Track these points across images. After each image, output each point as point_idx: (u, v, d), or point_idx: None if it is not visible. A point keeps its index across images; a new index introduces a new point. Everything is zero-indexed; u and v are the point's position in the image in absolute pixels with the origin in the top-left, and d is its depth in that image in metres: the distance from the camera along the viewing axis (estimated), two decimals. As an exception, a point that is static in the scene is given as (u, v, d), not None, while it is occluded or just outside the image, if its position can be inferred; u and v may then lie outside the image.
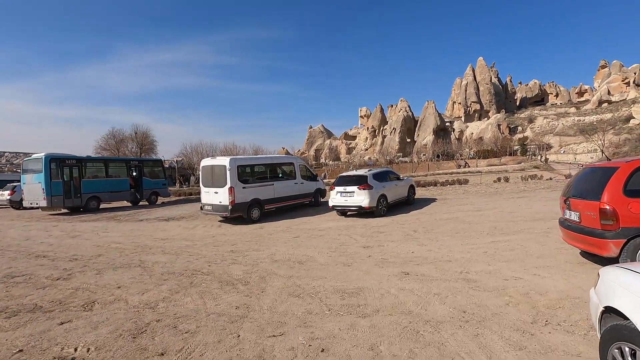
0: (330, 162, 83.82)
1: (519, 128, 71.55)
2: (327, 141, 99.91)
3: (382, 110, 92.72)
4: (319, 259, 6.59)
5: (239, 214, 12.14)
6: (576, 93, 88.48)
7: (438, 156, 61.89)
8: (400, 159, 68.44)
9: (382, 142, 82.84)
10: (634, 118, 52.47)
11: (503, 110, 77.43)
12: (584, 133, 57.19)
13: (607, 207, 3.99)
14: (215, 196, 12.26)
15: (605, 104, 67.67)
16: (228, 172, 11.88)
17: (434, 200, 15.06)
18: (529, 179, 19.77)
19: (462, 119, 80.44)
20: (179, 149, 51.67)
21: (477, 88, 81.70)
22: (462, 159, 54.85)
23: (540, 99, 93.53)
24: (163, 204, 20.47)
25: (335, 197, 12.18)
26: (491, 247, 6.58)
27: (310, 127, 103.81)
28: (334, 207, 12.28)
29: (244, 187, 12.27)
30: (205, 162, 13.04)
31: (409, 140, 78.99)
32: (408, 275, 5.21)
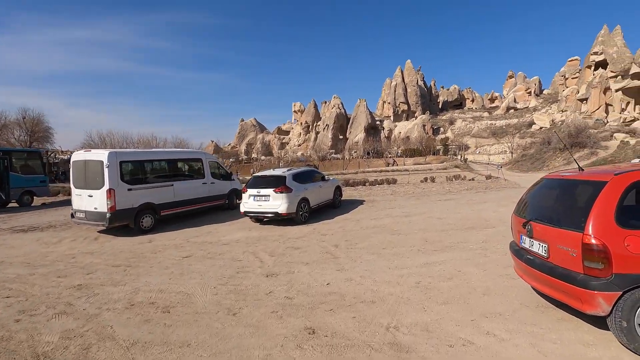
0: (263, 157, 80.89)
1: (441, 129, 76.30)
2: (260, 135, 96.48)
3: (315, 106, 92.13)
4: (198, 301, 4.62)
5: (123, 223, 9.52)
6: (489, 99, 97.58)
7: (369, 153, 63.01)
8: (333, 155, 68.41)
9: (316, 138, 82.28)
10: (535, 124, 58.90)
11: (428, 111, 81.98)
12: (495, 136, 62.88)
13: (595, 243, 2.67)
14: (90, 201, 9.46)
15: (512, 110, 75.37)
16: (106, 170, 9.18)
17: (362, 202, 13.91)
18: (453, 179, 19.97)
19: (392, 118, 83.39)
20: (84, 139, 44.31)
21: (405, 89, 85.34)
22: (390, 157, 56.40)
23: (459, 103, 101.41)
24: (42, 206, 16.44)
25: (248, 202, 10.20)
26: (424, 274, 5.25)
27: (242, 120, 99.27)
28: (246, 214, 10.29)
29: (129, 189, 9.65)
30: (77, 156, 10.07)
31: (341, 137, 79.51)
32: (313, 335, 3.52)
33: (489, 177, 20.39)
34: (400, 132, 77.60)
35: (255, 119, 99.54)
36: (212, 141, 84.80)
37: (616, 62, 54.45)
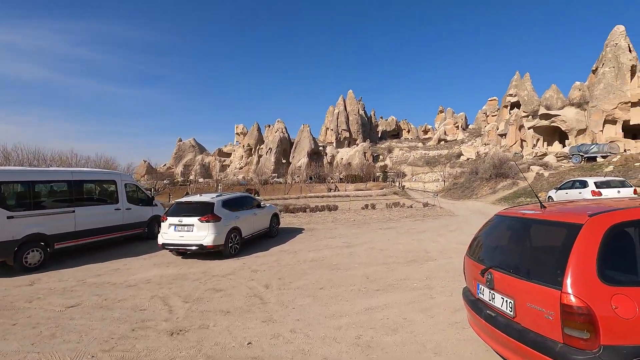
0: (201, 179, 76.78)
1: (380, 157, 79.62)
2: (199, 157, 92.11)
3: (259, 129, 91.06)
4: (59, 383, 3.29)
5: (-4, 260, 7.52)
6: (423, 131, 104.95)
7: (311, 178, 62.97)
8: (275, 179, 67.21)
9: (258, 162, 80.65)
10: (463, 155, 64.05)
11: (368, 139, 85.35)
12: (429, 165, 67.08)
13: (577, 304, 2.09)
14: (-51, 232, 7.35)
15: (443, 142, 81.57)
16: (-25, 193, 7.24)
17: (301, 231, 13.04)
18: (393, 207, 20.11)
19: (334, 144, 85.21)
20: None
21: (347, 117, 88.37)
22: (332, 182, 56.83)
23: (396, 133, 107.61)
24: None
25: (168, 232, 8.77)
26: (366, 324, 4.46)
27: (180, 140, 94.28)
28: (164, 246, 8.80)
29: (10, 217, 7.72)
30: None
31: (284, 161, 78.93)
32: None
33: (425, 204, 20.92)
34: (342, 158, 79.34)
35: (194, 139, 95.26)
36: (145, 161, 78.59)
37: (527, 103, 62.02)
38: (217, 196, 9.55)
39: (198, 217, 8.55)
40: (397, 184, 48.55)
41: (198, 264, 8.28)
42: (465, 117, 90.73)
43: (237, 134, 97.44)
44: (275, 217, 11.99)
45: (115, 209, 10.32)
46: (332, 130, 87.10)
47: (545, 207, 2.83)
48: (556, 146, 47.44)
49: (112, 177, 10.77)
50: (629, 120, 41.12)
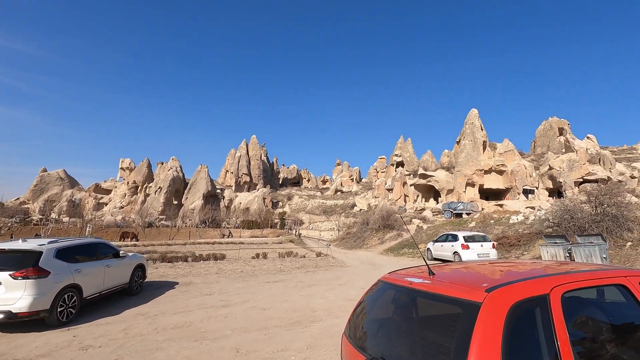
0: (67, 218, 64.23)
1: (280, 203, 79.47)
2: (68, 191, 78.13)
3: (149, 166, 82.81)
4: None
5: None
6: (321, 181, 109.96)
7: (205, 222, 58.35)
8: (162, 222, 60.34)
9: (144, 201, 71.93)
10: (356, 206, 68.27)
11: (268, 185, 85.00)
12: (326, 213, 69.29)
13: None
14: None
15: (339, 193, 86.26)
16: None
17: (173, 285, 10.96)
18: (286, 256, 19.15)
19: (233, 188, 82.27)
20: None
21: (249, 162, 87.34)
22: (227, 228, 53.52)
23: (297, 181, 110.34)
24: None
25: (-43, 294, 6.09)
26: None
27: (45, 171, 79.11)
28: (-54, 315, 6.05)
29: None
30: None
31: (176, 202, 72.22)
32: None
33: (319, 254, 20.56)
34: (240, 203, 76.53)
35: (64, 170, 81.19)
36: (-13, 192, 62.64)
37: (409, 163, 70.72)
38: (50, 242, 7.24)
39: (11, 272, 6.19)
40: (294, 231, 48.20)
41: (3, 341, 5.81)
42: (359, 171, 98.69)
43: (121, 168, 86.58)
44: (140, 269, 9.81)
45: None
46: (232, 173, 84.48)
47: (434, 273, 2.29)
48: (432, 202, 54.24)
49: None
50: (483, 184, 49.95)
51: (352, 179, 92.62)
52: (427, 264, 2.46)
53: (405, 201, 55.83)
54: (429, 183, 53.21)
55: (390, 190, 60.58)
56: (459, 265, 2.82)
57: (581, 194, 26.09)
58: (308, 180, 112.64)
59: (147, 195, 75.00)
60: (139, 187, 79.64)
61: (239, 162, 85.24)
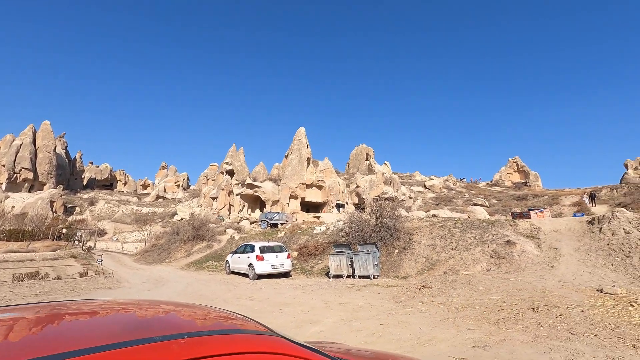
0: None
1: (78, 209, 64.12)
2: None
3: None
4: None
5: None
6: (141, 185, 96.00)
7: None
8: None
9: None
10: (177, 214, 61.69)
11: (61, 186, 67.48)
12: (139, 222, 59.70)
13: None
14: None
15: (162, 199, 76.77)
16: None
17: None
18: (26, 278, 13.67)
19: (3, 186, 61.48)
20: None
21: (35, 154, 67.56)
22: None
23: (110, 184, 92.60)
24: None
25: None
26: None
27: None
28: None
29: None
30: None
31: None
32: None
33: (84, 274, 15.79)
34: (14, 206, 57.50)
35: None
36: None
37: (239, 173, 69.30)
38: None
39: None
40: (81, 244, 38.74)
41: None
42: (188, 177, 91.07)
43: None
44: None
45: None
46: (3, 165, 63.10)
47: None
48: (257, 212, 54.09)
49: None
50: (305, 197, 53.21)
51: (179, 185, 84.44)
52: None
53: (230, 210, 53.76)
54: (255, 193, 52.94)
55: (214, 198, 57.37)
56: None
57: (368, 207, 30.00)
58: (125, 184, 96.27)
59: None
60: None
61: (17, 152, 64.69)
